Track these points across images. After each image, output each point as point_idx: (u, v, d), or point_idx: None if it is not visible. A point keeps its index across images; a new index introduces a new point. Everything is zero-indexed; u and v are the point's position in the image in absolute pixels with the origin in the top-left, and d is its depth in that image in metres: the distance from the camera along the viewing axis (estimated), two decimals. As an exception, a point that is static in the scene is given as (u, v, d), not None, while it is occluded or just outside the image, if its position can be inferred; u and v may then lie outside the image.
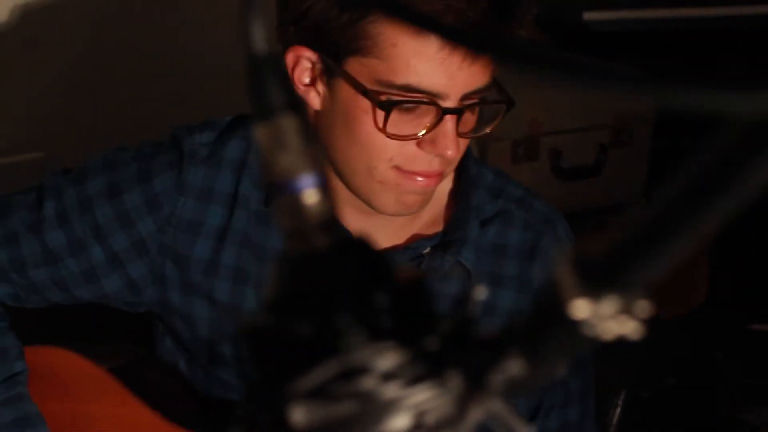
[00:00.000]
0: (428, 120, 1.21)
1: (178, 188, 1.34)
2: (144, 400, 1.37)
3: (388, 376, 0.70)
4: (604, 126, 2.40)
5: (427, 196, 1.29)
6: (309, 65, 1.23)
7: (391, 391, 0.70)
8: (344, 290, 1.16)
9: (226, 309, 1.34)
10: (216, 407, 1.39)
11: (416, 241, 1.34)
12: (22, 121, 1.86)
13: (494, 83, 1.23)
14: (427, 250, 1.34)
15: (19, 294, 1.38)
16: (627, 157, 2.43)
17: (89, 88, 1.88)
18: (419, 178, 1.24)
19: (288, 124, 0.71)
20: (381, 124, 1.20)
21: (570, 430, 1.40)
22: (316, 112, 1.25)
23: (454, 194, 1.35)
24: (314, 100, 1.24)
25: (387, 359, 0.75)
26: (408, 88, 1.18)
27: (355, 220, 1.31)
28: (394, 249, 1.33)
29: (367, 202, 1.28)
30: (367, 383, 0.73)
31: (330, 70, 1.21)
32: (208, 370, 1.39)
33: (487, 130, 1.27)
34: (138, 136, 1.41)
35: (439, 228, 1.35)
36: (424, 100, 1.19)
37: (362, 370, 0.70)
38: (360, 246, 1.17)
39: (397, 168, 1.23)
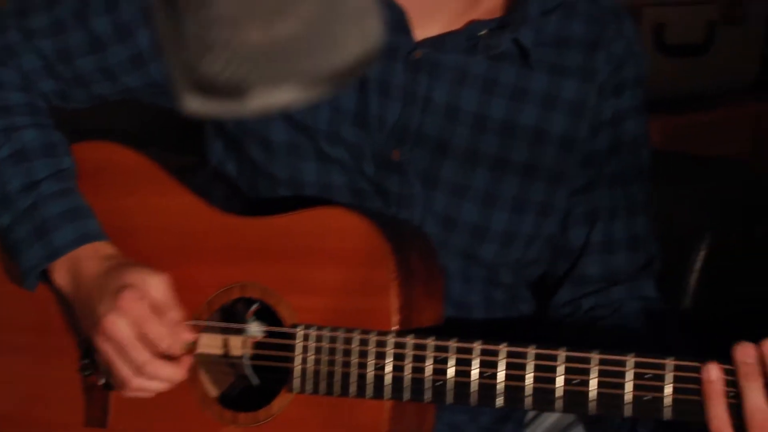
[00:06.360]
0: None
1: None
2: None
3: None
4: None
5: None
6: None
7: None
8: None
9: None
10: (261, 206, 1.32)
11: (473, 23, 1.26)
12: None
13: None
14: (485, 32, 1.25)
15: (64, 90, 1.35)
16: (738, 36, 2.28)
17: None
18: None
19: None
20: None
21: (639, 243, 1.31)
22: None
23: None
24: None
25: None
26: None
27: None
28: (451, 33, 1.26)
29: None
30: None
31: None
32: (256, 167, 1.33)
33: None
34: None
35: (500, 14, 1.27)
36: None
37: None
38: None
39: None
